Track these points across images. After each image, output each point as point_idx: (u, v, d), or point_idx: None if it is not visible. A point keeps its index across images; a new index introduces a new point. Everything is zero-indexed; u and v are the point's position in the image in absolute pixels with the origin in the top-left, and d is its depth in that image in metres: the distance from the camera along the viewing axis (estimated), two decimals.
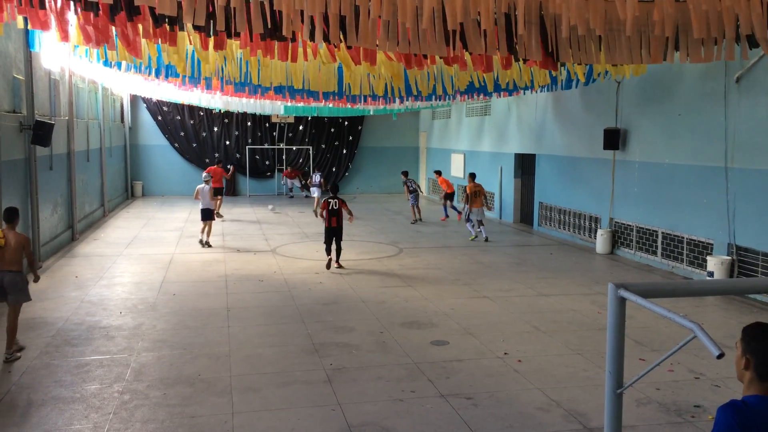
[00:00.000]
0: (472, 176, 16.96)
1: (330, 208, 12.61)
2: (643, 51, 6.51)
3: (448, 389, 6.72)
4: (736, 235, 11.08)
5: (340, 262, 12.88)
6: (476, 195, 16.29)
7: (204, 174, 16.76)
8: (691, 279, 12.14)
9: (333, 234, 12.63)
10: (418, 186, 21.02)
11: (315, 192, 22.13)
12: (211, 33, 6.31)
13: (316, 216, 19.69)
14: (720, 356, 2.19)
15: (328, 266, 12.66)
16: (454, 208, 20.64)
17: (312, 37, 5.67)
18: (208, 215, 15.08)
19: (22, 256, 7.48)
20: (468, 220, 16.71)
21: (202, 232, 15.13)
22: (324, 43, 6.98)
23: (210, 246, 14.98)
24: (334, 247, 12.71)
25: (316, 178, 22.53)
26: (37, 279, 7.92)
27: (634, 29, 6.03)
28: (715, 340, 2.24)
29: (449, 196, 20.63)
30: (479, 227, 16.54)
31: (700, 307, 10.03)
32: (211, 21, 5.83)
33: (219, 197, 19.80)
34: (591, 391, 6.73)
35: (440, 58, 7.84)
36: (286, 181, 27.73)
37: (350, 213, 13.16)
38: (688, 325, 2.30)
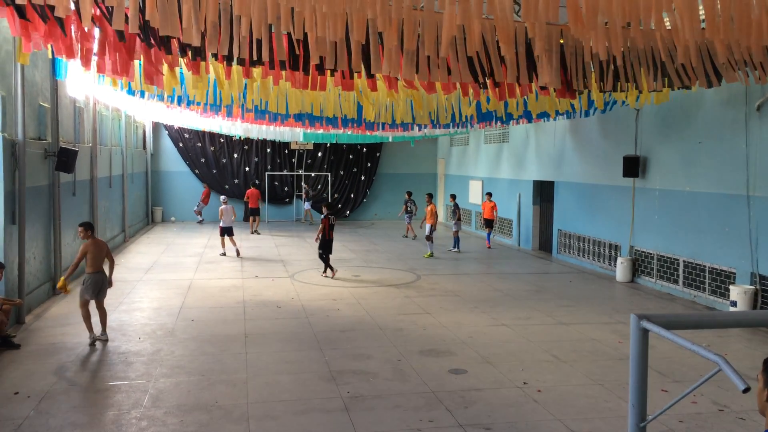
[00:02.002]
0: (430, 196, 19.63)
1: (330, 223, 14.81)
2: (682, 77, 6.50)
3: (466, 419, 6.64)
4: (759, 264, 10.91)
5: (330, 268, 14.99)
6: (432, 214, 18.80)
7: (223, 197, 19.40)
8: (714, 309, 11.95)
9: (330, 245, 14.80)
10: (415, 208, 23.00)
11: (306, 205, 26.95)
12: (235, 62, 6.40)
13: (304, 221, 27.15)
14: (746, 390, 2.15)
15: (325, 274, 14.92)
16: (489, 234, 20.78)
17: (334, 65, 5.74)
18: (228, 231, 17.85)
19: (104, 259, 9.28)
20: (430, 238, 18.42)
21: (235, 247, 17.78)
22: (343, 74, 7.05)
23: (237, 255, 17.57)
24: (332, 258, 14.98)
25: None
26: (110, 283, 9.39)
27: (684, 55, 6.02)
28: (739, 372, 2.20)
29: (488, 223, 20.39)
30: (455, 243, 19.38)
31: (723, 337, 9.86)
32: (235, 50, 5.91)
33: (257, 216, 23.94)
34: (612, 422, 6.61)
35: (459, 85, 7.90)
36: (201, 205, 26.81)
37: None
38: (712, 358, 2.27)
